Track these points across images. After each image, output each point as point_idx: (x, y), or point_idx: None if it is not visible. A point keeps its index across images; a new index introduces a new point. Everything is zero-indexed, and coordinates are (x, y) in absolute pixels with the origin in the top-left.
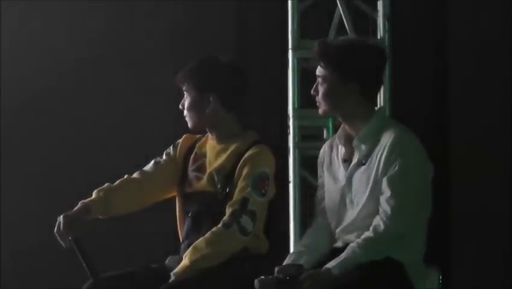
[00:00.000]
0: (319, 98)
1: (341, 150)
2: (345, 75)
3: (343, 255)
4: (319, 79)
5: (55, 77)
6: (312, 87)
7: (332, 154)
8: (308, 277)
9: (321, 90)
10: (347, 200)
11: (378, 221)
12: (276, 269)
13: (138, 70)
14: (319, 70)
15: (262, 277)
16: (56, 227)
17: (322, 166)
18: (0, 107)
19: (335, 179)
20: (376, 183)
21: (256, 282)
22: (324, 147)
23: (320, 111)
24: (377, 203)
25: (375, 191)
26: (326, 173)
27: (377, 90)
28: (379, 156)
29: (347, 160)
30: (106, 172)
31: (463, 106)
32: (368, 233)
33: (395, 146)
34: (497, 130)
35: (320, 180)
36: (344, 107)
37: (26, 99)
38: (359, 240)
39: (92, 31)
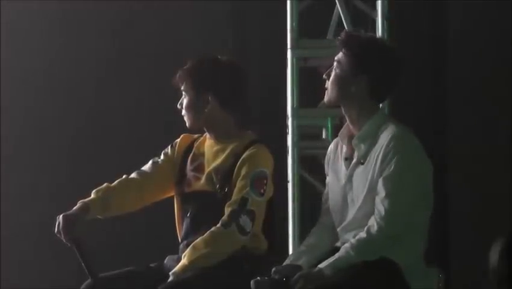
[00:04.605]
0: (328, 84)
1: (344, 148)
2: (359, 65)
3: (335, 255)
4: (335, 63)
5: (55, 78)
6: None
7: (337, 152)
8: (300, 277)
9: (332, 74)
10: (349, 199)
11: (372, 222)
12: (273, 270)
13: (137, 70)
14: (338, 56)
15: (258, 278)
16: (55, 227)
17: (328, 165)
18: (0, 107)
19: (338, 177)
20: (373, 183)
21: (252, 282)
22: (331, 146)
23: (326, 98)
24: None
25: (372, 191)
26: (330, 172)
27: (387, 93)
28: (376, 155)
29: (348, 158)
30: (105, 172)
31: (463, 106)
32: (362, 234)
33: (392, 145)
34: (497, 130)
35: (327, 179)
36: (350, 99)
37: (27, 100)
38: (352, 240)
39: (92, 31)
